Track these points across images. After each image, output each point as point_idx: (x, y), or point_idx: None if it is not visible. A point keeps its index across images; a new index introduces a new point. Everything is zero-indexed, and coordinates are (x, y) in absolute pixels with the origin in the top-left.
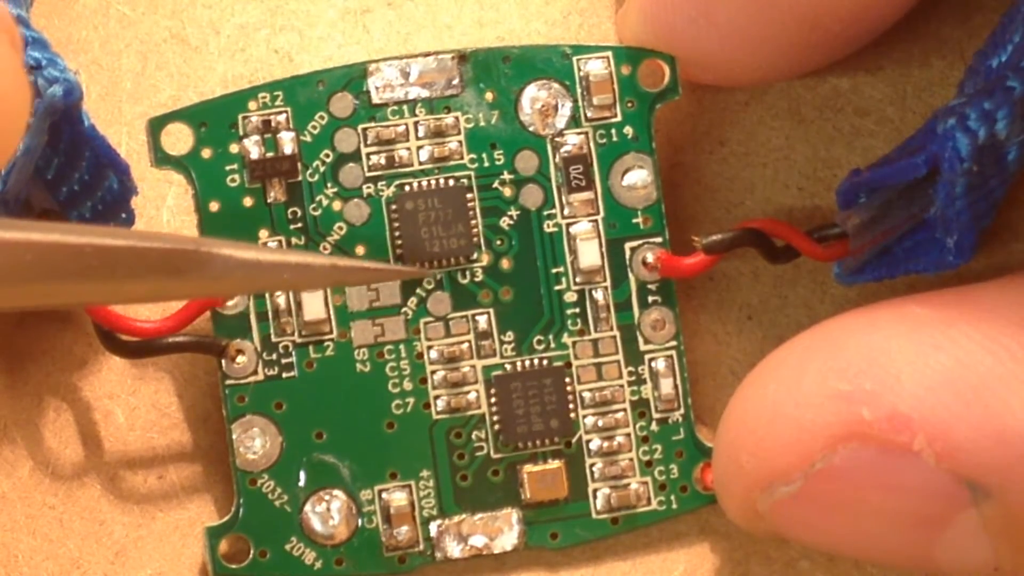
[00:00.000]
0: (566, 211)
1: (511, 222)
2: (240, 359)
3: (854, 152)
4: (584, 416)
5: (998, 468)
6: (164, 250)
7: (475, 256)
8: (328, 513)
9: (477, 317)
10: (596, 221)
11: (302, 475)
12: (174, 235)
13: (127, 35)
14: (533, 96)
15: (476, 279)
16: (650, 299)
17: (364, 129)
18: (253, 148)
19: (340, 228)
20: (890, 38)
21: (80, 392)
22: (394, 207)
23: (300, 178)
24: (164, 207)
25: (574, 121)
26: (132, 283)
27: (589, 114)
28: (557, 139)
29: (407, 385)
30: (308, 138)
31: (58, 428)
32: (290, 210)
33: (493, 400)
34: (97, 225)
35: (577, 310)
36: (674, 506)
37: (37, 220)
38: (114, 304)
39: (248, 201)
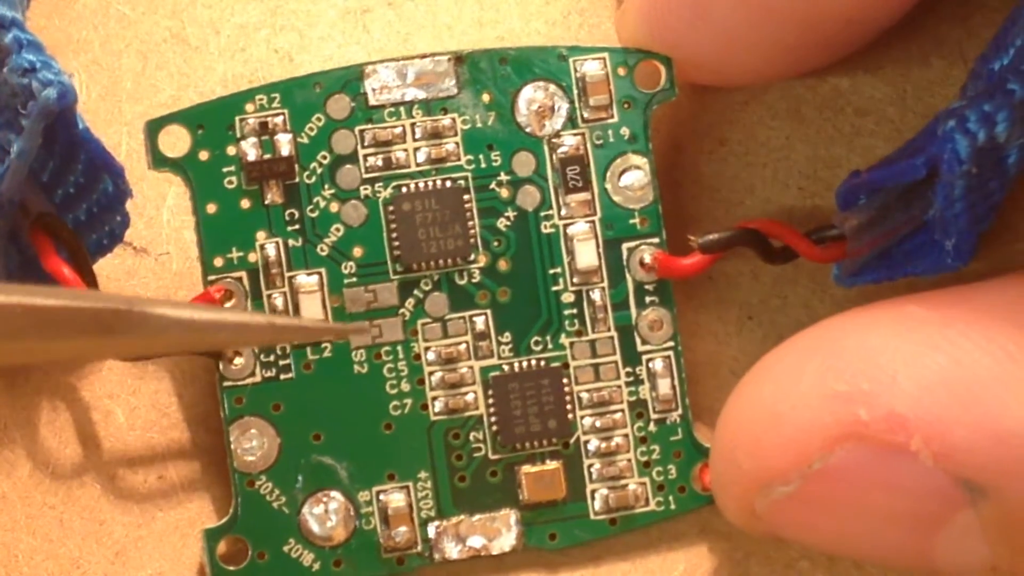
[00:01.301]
0: (563, 212)
1: (508, 223)
2: (238, 361)
3: (854, 152)
4: (582, 417)
5: (995, 468)
6: (96, 310)
7: (472, 257)
8: (326, 514)
9: (475, 318)
10: (593, 222)
11: (300, 477)
12: (107, 294)
13: (127, 35)
14: (530, 97)
15: (473, 280)
16: (647, 299)
17: (361, 131)
18: (250, 150)
19: (337, 230)
20: (890, 38)
21: (80, 392)
22: (391, 208)
23: (297, 180)
24: (164, 207)
25: (571, 122)
26: (63, 343)
27: (586, 115)
28: (554, 140)
29: (405, 386)
30: (305, 140)
31: (58, 428)
32: (287, 212)
33: (491, 401)
34: (29, 284)
35: (575, 311)
36: (672, 507)
37: None
38: (45, 362)
39: (246, 203)
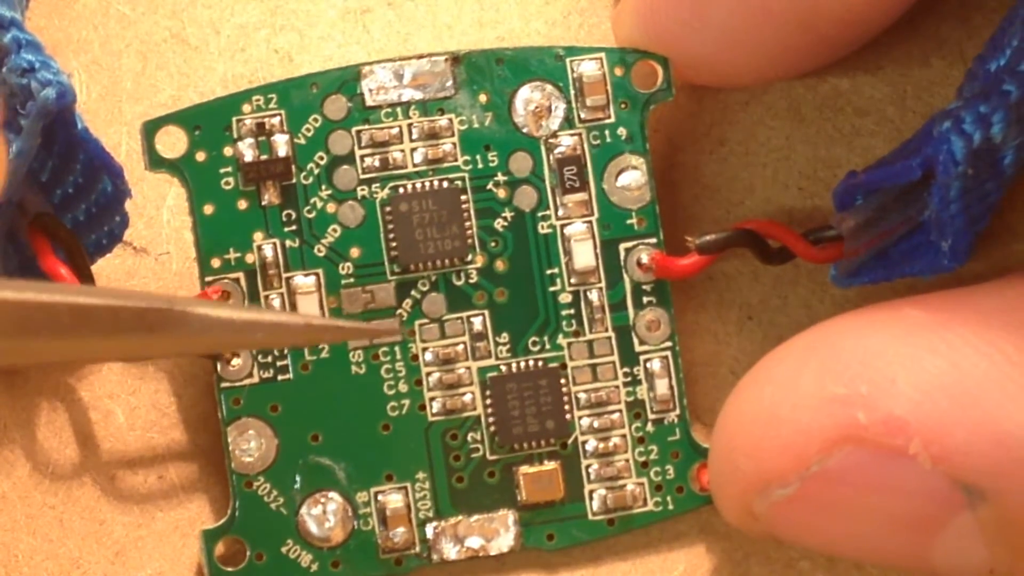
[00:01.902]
0: (560, 212)
1: (505, 224)
2: (235, 362)
3: (854, 152)
4: (580, 417)
5: (994, 471)
6: (138, 309)
7: (470, 258)
8: (324, 515)
9: (472, 319)
10: (590, 222)
11: (298, 477)
12: (148, 293)
13: (127, 35)
14: (527, 98)
15: (471, 281)
16: (645, 300)
17: (358, 131)
18: (247, 151)
19: (334, 230)
20: (890, 38)
21: (80, 392)
22: (388, 209)
23: (294, 180)
24: (164, 207)
25: (568, 122)
26: (105, 341)
27: (583, 115)
28: (551, 140)
29: (402, 387)
30: (302, 140)
31: (58, 428)
32: (284, 212)
33: (489, 402)
34: (73, 284)
35: (572, 311)
36: (670, 507)
37: (11, 279)
38: (87, 362)
39: (243, 204)
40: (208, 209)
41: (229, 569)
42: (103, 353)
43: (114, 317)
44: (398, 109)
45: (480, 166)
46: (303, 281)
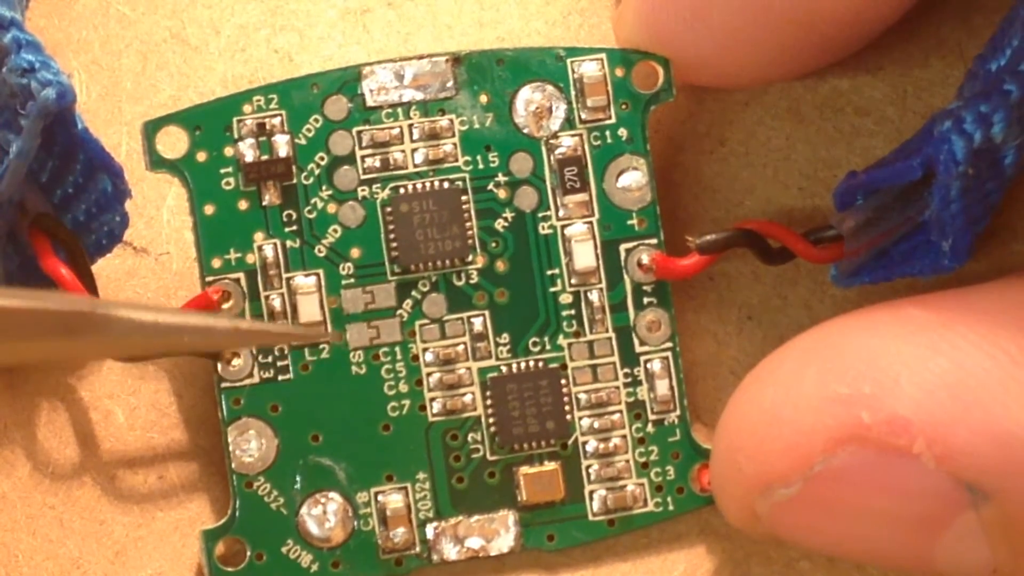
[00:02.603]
0: (561, 213)
1: (506, 224)
2: (236, 362)
3: (854, 152)
4: (580, 418)
5: (997, 471)
6: (59, 312)
7: (470, 258)
8: (324, 516)
9: (472, 319)
10: (591, 223)
11: (298, 478)
12: (71, 296)
13: (127, 35)
14: (527, 98)
15: (471, 281)
16: (645, 300)
17: (359, 132)
18: (248, 151)
19: (335, 231)
20: (890, 38)
21: (80, 392)
22: (389, 209)
23: (295, 181)
24: (164, 207)
25: (568, 123)
26: (27, 344)
27: (583, 116)
28: (551, 141)
29: (403, 387)
30: (303, 141)
31: (58, 428)
32: (285, 213)
33: (489, 402)
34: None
35: (572, 312)
36: (670, 508)
37: None
38: (9, 364)
39: (243, 204)
40: (209, 209)
41: (229, 569)
42: (24, 355)
43: (36, 320)
44: (399, 110)
45: (481, 167)
46: (304, 281)
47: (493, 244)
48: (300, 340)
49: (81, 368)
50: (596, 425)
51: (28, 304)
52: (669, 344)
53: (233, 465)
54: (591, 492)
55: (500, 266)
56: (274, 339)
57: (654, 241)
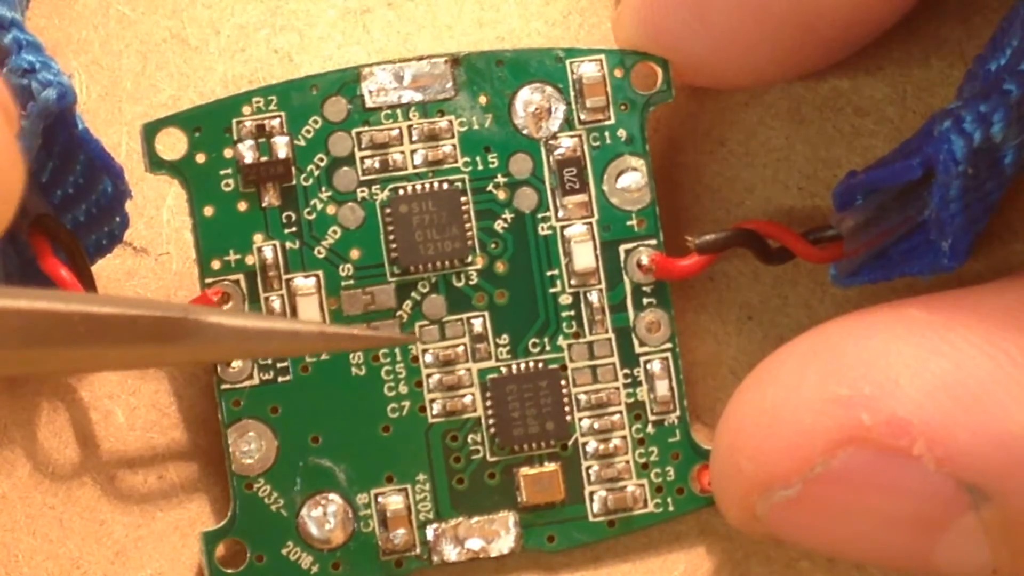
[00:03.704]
0: (560, 214)
1: (505, 225)
2: (235, 364)
3: (854, 152)
4: (580, 419)
5: (997, 472)
6: (153, 318)
7: (470, 259)
8: (324, 517)
9: (472, 320)
10: (590, 224)
11: (298, 479)
12: (163, 302)
13: (127, 35)
14: (526, 99)
15: (471, 282)
16: (645, 301)
17: (358, 133)
18: (247, 152)
19: (335, 232)
20: (890, 38)
21: (80, 392)
22: (388, 211)
23: (294, 182)
24: (164, 207)
25: (567, 124)
26: (120, 351)
27: (582, 117)
28: (551, 142)
29: (402, 388)
30: (302, 142)
31: (58, 428)
32: (284, 214)
33: (489, 403)
34: (87, 293)
35: (572, 313)
36: (671, 508)
37: (24, 288)
38: (101, 371)
39: (243, 206)
40: (208, 211)
41: (229, 571)
42: (116, 363)
43: (130, 326)
44: (398, 111)
45: (480, 168)
46: (303, 283)
47: (493, 245)
48: (382, 344)
49: None
50: (596, 426)
51: (123, 311)
52: (669, 345)
53: (233, 467)
54: (591, 493)
55: (500, 267)
56: (359, 343)
57: (653, 242)
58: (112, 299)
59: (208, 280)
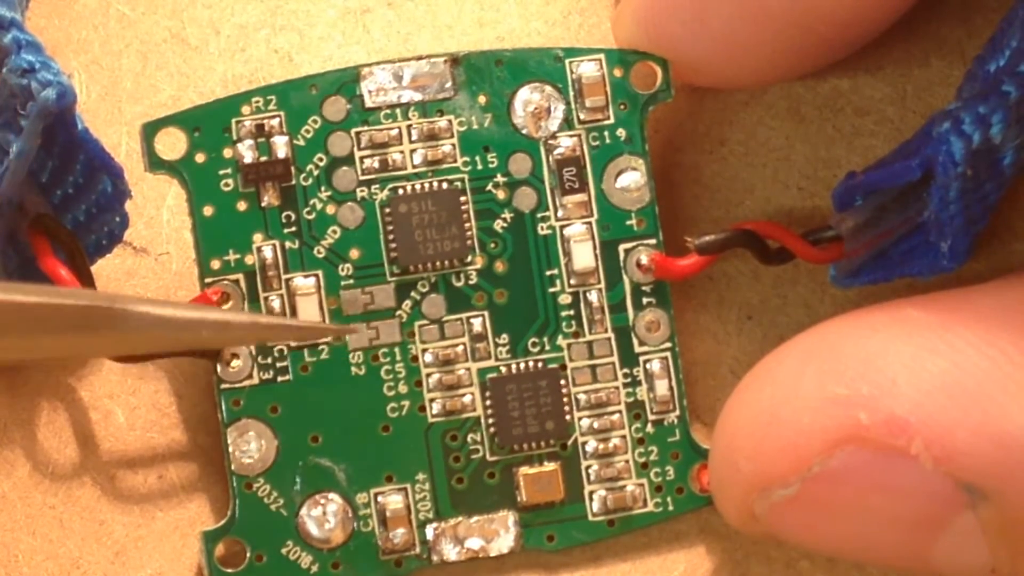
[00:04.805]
0: (560, 213)
1: (505, 225)
2: (235, 363)
3: (854, 152)
4: (580, 418)
5: (995, 471)
6: (80, 307)
7: (469, 259)
8: (324, 517)
9: (472, 320)
10: (590, 223)
11: (298, 479)
12: (90, 291)
13: (127, 35)
14: (526, 99)
15: (470, 282)
16: (644, 301)
17: (357, 133)
18: (247, 152)
19: (334, 232)
20: (890, 38)
21: (80, 392)
22: (388, 210)
23: (294, 182)
24: (164, 207)
25: (567, 124)
26: (47, 339)
27: (582, 116)
28: (550, 142)
29: (402, 388)
30: (301, 142)
31: (58, 428)
32: (284, 214)
33: (488, 403)
34: (12, 283)
35: (572, 312)
36: (670, 508)
37: None
38: (28, 359)
39: (242, 205)
40: (208, 211)
41: (229, 570)
42: (47, 350)
43: (54, 316)
44: (397, 110)
45: (479, 167)
46: (303, 282)
47: (492, 245)
48: (318, 335)
49: (81, 368)
50: (596, 425)
51: (48, 300)
52: (668, 344)
53: (233, 466)
54: (591, 492)
55: (499, 267)
56: (294, 334)
57: (653, 241)
58: (39, 289)
59: (208, 280)
